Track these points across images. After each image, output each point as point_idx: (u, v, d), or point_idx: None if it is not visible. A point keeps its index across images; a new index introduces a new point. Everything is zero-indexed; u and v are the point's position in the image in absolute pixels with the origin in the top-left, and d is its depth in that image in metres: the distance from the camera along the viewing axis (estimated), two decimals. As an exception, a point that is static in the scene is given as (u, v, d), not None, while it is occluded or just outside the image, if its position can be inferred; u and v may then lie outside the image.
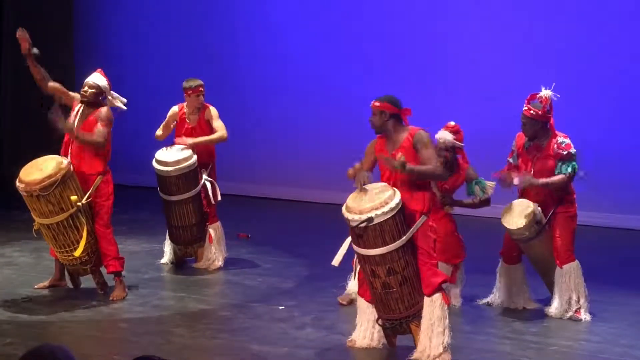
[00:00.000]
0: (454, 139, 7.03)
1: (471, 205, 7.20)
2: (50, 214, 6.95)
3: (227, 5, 12.17)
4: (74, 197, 6.94)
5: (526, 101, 6.87)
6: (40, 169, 6.90)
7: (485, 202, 7.14)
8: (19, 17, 11.92)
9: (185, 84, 8.24)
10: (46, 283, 7.49)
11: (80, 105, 7.24)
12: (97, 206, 7.17)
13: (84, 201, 7.01)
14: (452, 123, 7.14)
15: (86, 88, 7.21)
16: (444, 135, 7.03)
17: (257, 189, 11.80)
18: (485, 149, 10.12)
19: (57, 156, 7.08)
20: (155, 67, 12.51)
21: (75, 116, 7.21)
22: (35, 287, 7.46)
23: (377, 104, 6.02)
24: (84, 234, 7.01)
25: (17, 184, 6.93)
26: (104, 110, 7.20)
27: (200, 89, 8.22)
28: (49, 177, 6.84)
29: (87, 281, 7.52)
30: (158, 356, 2.81)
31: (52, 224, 6.99)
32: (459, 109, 10.79)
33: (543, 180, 6.78)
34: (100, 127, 7.12)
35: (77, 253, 7.05)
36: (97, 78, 7.27)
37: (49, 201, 6.89)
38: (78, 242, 7.02)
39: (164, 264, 8.38)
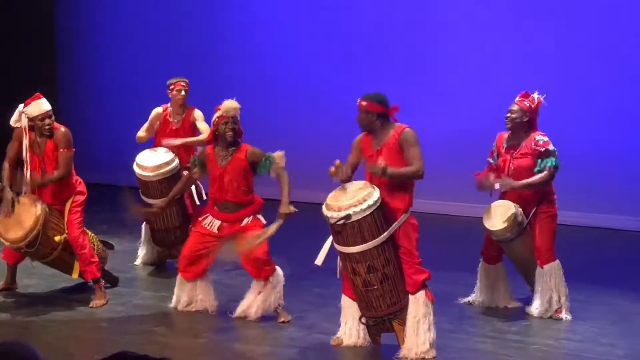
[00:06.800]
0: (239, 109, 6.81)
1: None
2: (44, 256, 7.07)
3: (211, 5, 12.15)
4: (57, 238, 6.95)
5: (519, 95, 6.91)
6: (19, 223, 6.85)
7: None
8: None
9: (168, 82, 8.25)
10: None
11: (25, 136, 6.88)
12: (68, 215, 7.07)
13: (65, 236, 7.00)
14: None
15: (47, 120, 6.86)
16: (229, 105, 6.79)
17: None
18: (466, 150, 10.16)
19: (30, 202, 6.87)
20: (139, 68, 12.46)
21: (28, 149, 6.90)
22: None
23: (364, 103, 5.96)
24: (76, 261, 7.09)
25: (2, 240, 6.94)
26: (62, 132, 6.92)
27: (181, 84, 8.21)
28: (30, 231, 6.82)
29: (67, 281, 7.50)
30: (132, 352, 2.78)
31: (50, 260, 7.13)
32: (443, 109, 10.84)
33: (522, 182, 6.80)
34: (63, 155, 6.90)
35: (75, 275, 7.16)
36: (47, 104, 6.95)
37: (38, 249, 6.96)
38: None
39: (137, 265, 8.35)
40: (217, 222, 6.83)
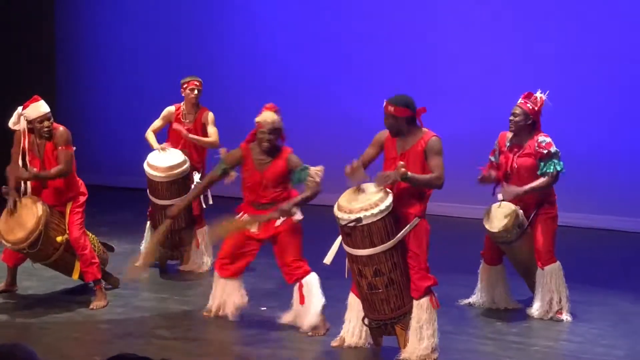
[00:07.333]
0: (279, 121, 6.54)
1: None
2: (46, 257, 7.05)
3: (211, 5, 12.14)
4: (59, 238, 6.95)
5: (522, 97, 6.89)
6: (21, 224, 6.84)
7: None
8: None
9: (182, 80, 8.25)
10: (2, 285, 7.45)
11: (24, 139, 6.87)
12: (69, 216, 7.07)
13: (66, 237, 6.99)
14: (271, 104, 6.66)
15: (46, 123, 6.84)
16: (267, 117, 6.55)
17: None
18: (467, 151, 10.15)
19: (31, 202, 6.88)
20: (139, 68, 12.44)
21: (28, 152, 6.88)
22: None
23: (391, 108, 5.85)
24: (77, 262, 7.09)
25: (4, 242, 6.93)
26: (61, 132, 6.90)
27: (195, 82, 8.21)
28: (32, 232, 6.80)
29: (67, 283, 7.49)
30: (132, 354, 2.77)
31: (51, 262, 7.12)
32: (443, 111, 10.82)
33: (525, 187, 6.77)
34: (63, 152, 6.86)
35: (75, 276, 7.15)
36: (46, 106, 6.91)
37: (40, 250, 6.93)
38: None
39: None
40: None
